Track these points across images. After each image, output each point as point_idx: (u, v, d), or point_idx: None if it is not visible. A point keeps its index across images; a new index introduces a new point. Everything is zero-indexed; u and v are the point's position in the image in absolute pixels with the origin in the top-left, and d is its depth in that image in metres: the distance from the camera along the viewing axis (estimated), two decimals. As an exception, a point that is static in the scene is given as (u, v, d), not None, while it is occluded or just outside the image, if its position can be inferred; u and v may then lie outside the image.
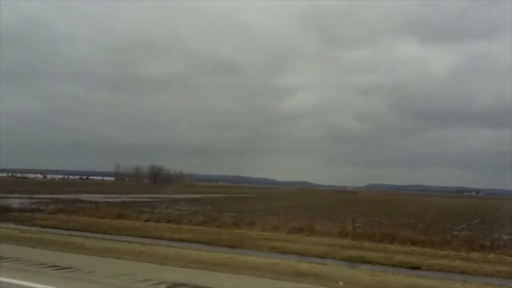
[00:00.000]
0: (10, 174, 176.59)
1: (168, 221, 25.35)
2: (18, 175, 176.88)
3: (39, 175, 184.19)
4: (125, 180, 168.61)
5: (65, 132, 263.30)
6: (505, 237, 24.72)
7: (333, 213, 40.72)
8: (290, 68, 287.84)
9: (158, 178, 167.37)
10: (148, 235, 20.59)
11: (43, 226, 22.49)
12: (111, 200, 47.18)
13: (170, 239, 19.70)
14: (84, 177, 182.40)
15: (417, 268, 15.03)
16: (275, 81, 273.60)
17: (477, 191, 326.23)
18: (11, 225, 22.65)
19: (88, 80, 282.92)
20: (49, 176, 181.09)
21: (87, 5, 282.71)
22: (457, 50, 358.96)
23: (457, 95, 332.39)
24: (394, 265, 15.25)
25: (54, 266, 10.94)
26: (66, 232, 19.72)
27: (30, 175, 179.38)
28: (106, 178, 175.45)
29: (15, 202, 34.77)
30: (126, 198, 53.77)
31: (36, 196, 49.37)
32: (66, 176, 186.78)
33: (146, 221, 25.60)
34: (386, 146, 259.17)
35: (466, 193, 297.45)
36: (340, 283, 10.75)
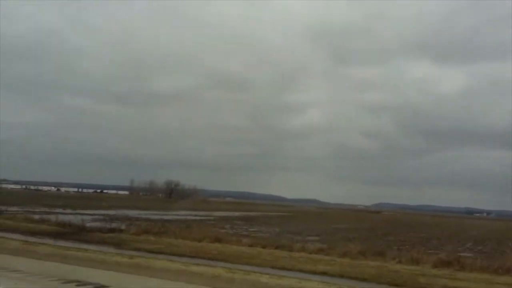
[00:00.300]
0: (24, 187, 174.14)
1: (276, 247, 22.58)
2: (32, 187, 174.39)
3: (53, 188, 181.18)
4: (139, 195, 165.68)
5: (75, 145, 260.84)
6: None
7: (409, 238, 37.89)
8: (299, 85, 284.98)
9: (173, 193, 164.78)
10: (276, 266, 17.78)
11: (149, 251, 19.74)
12: (164, 217, 44.38)
13: (311, 272, 16.90)
14: (98, 190, 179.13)
15: None
16: (284, 98, 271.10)
17: (488, 212, 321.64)
18: (111, 249, 19.91)
19: (98, 93, 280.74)
20: (62, 189, 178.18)
21: (99, 19, 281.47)
22: (468, 70, 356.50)
23: (467, 115, 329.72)
24: None
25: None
26: (202, 261, 16.94)
27: (44, 188, 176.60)
28: (120, 192, 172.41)
29: (75, 219, 32.09)
30: (171, 215, 50.95)
31: (82, 211, 46.65)
32: (80, 190, 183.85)
33: (250, 246, 22.85)
34: (395, 165, 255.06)
35: (477, 214, 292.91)
36: None
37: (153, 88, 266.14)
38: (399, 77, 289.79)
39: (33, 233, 23.47)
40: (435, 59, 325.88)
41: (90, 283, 11.11)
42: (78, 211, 47.84)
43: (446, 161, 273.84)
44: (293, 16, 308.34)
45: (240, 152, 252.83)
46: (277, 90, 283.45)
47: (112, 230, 25.85)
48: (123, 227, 26.87)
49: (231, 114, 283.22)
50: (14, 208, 43.40)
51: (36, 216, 31.72)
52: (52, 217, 30.39)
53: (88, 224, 28.07)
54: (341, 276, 16.47)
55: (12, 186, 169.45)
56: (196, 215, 53.03)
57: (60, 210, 46.32)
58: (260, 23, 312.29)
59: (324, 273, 16.77)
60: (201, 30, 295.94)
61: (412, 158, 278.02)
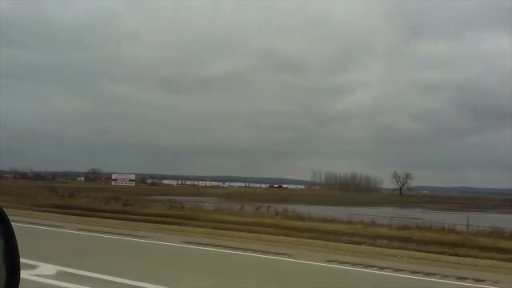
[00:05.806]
0: (180, 182, 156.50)
1: None
2: (187, 182, 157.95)
3: (207, 182, 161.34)
4: (320, 189, 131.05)
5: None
6: None
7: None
8: (357, 64, 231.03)
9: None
10: None
11: None
12: None
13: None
14: (275, 185, 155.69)
15: None
16: (336, 79, 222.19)
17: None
18: None
19: (146, 80, 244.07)
20: (226, 184, 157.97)
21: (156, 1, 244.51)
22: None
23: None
24: None
25: None
26: None
27: (200, 183, 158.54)
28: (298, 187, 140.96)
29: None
30: None
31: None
32: (246, 184, 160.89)
33: None
34: (436, 147, 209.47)
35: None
36: None
37: (206, 72, 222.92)
38: (470, 52, 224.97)
39: None
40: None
41: None
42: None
43: (495, 141, 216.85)
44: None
45: (278, 138, 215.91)
46: (333, 71, 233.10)
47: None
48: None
49: (278, 98, 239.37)
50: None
51: None
52: None
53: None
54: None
55: (167, 181, 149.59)
56: None
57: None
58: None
59: None
60: (259, 8, 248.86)
61: (458, 139, 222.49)
